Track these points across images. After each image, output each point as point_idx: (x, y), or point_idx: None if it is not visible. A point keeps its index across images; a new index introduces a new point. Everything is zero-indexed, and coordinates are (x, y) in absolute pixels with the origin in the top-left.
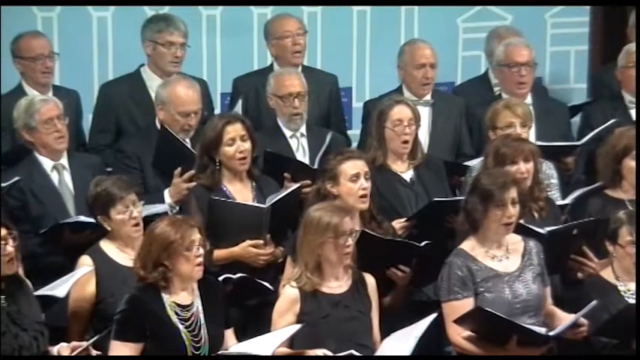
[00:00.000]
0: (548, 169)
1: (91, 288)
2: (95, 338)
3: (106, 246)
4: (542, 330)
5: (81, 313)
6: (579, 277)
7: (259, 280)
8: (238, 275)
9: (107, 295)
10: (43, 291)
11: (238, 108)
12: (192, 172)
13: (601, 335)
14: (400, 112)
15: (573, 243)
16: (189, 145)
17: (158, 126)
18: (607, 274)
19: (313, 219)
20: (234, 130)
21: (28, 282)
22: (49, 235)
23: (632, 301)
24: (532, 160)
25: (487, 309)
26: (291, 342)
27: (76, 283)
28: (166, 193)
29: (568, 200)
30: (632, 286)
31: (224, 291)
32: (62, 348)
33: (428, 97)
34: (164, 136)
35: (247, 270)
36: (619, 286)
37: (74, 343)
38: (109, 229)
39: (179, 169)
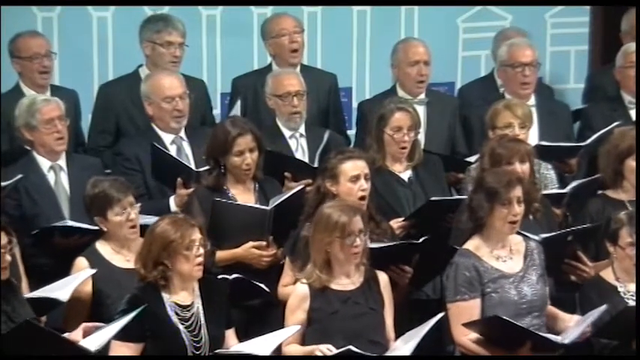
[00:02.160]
0: (547, 170)
1: (87, 289)
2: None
3: (102, 247)
4: (558, 338)
5: (77, 314)
6: (572, 280)
7: (255, 282)
8: (234, 276)
9: (103, 297)
10: (45, 293)
11: (237, 109)
12: (192, 190)
13: (601, 336)
14: (400, 119)
15: (568, 248)
16: (185, 138)
17: (154, 127)
18: (607, 274)
19: (323, 216)
20: (245, 142)
21: (14, 280)
22: (39, 237)
23: (632, 302)
24: (528, 161)
25: (505, 318)
26: (302, 338)
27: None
28: (172, 200)
29: (567, 189)
30: (632, 287)
31: (226, 291)
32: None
33: (422, 96)
34: (155, 151)
35: (249, 272)
36: (619, 287)
37: (85, 324)
38: (105, 230)
39: (179, 180)
